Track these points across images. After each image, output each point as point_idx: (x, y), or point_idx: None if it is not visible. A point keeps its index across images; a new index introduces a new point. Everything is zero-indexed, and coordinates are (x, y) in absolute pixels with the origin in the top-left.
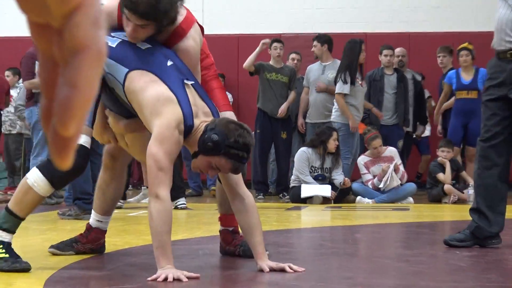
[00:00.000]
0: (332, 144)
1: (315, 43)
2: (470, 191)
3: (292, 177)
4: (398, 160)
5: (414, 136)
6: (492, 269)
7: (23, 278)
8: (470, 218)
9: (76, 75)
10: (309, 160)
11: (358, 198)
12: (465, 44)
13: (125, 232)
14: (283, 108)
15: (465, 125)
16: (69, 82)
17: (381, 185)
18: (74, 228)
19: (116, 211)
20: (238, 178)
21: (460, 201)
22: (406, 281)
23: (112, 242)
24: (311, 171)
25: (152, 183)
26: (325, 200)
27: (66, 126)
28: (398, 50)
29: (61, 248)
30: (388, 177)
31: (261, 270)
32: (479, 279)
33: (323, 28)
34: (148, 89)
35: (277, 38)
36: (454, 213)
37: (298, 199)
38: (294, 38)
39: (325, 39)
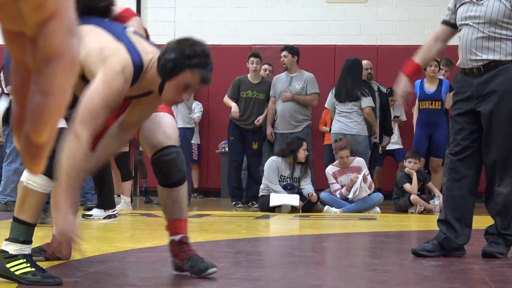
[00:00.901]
0: (302, 154)
1: (285, 53)
2: (436, 201)
3: (262, 186)
4: (366, 171)
5: (380, 148)
6: (457, 279)
7: None
8: (436, 228)
9: (49, 82)
10: (278, 169)
11: (326, 207)
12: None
13: (96, 239)
14: (261, 119)
15: (429, 136)
16: (42, 89)
17: (350, 195)
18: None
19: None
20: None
21: (426, 211)
22: None
23: (83, 249)
24: (280, 180)
25: (76, 121)
26: (293, 209)
27: (38, 133)
28: (365, 63)
29: None
30: (357, 187)
31: None
32: None
33: (293, 40)
34: (89, 40)
35: (254, 52)
36: (420, 223)
37: (266, 208)
38: (264, 49)
39: (296, 51)
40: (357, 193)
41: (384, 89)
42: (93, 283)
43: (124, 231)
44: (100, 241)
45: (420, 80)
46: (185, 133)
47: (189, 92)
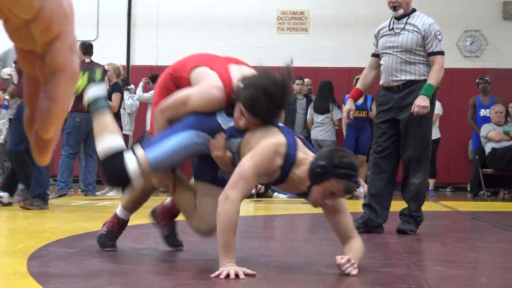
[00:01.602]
0: None
1: None
2: (361, 189)
3: None
4: None
5: None
6: (377, 250)
7: (9, 254)
8: (361, 210)
9: (54, 91)
10: None
11: (275, 193)
12: (359, 75)
13: (93, 219)
14: None
15: (356, 138)
16: (49, 96)
17: None
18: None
19: (84, 202)
20: (349, 224)
21: (354, 197)
22: (312, 259)
23: (83, 227)
24: None
25: (228, 186)
26: (249, 195)
27: (46, 130)
28: (307, 81)
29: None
30: None
31: None
32: (367, 258)
33: (249, 62)
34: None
35: None
36: (349, 207)
37: None
38: None
39: None
40: None
41: None
42: (90, 253)
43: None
44: (96, 220)
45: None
46: None
47: (334, 198)
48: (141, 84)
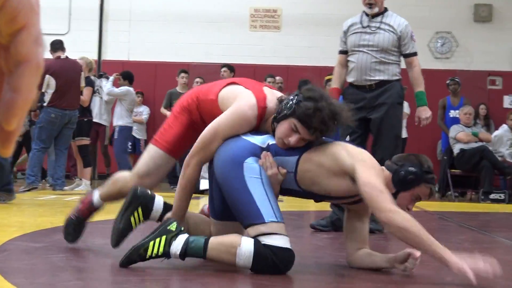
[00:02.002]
0: None
1: (225, 69)
2: None
3: None
4: None
5: None
6: (343, 249)
7: None
8: (330, 209)
9: (18, 82)
10: None
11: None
12: (329, 76)
13: (60, 213)
14: None
15: None
16: (13, 87)
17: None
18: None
19: (53, 196)
20: (367, 232)
21: None
22: None
23: (50, 221)
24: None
25: (381, 203)
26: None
27: (9, 122)
28: (278, 78)
29: None
30: None
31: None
32: (334, 256)
33: (222, 59)
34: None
35: (184, 69)
36: (317, 205)
37: (197, 191)
38: (200, 66)
39: (233, 68)
40: None
41: None
42: (57, 248)
43: None
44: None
45: None
46: (121, 129)
47: (415, 202)
48: (111, 78)
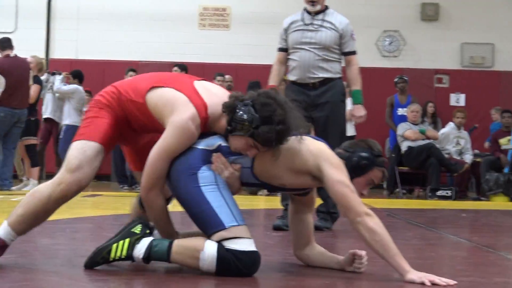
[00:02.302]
0: None
1: (176, 68)
2: None
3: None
4: None
5: None
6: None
7: None
8: (281, 207)
9: None
10: None
11: None
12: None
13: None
14: None
15: None
16: None
17: None
18: None
19: (0, 196)
20: (312, 226)
21: (272, 193)
22: None
23: None
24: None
25: (355, 205)
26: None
27: None
28: (227, 77)
29: None
30: None
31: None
32: (283, 254)
33: (171, 58)
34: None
35: (132, 68)
36: (267, 203)
37: None
38: (148, 65)
39: (184, 67)
40: None
41: None
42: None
43: None
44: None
45: None
46: (67, 128)
47: (369, 187)
48: (60, 76)
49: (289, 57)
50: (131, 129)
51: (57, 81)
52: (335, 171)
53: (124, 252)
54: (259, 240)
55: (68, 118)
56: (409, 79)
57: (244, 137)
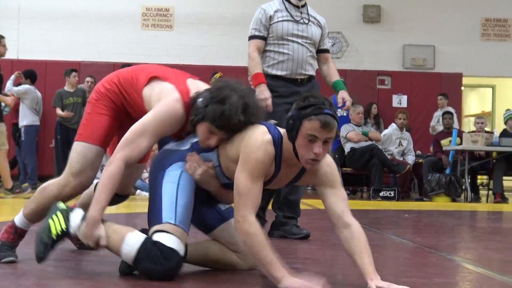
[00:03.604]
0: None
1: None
2: None
3: None
4: None
5: None
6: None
7: None
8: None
9: None
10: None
11: (138, 191)
12: (219, 74)
13: None
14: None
15: None
16: None
17: None
18: None
19: None
20: (345, 207)
21: None
22: None
23: None
24: (101, 169)
25: (235, 209)
26: None
27: None
28: None
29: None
30: None
31: None
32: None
33: (113, 58)
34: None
35: (74, 68)
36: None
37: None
38: (91, 65)
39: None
40: None
41: None
42: None
43: None
44: None
45: None
46: (27, 129)
47: (320, 145)
48: (12, 77)
49: (273, 49)
50: (130, 118)
51: (9, 82)
52: (240, 166)
53: (63, 224)
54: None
55: (24, 119)
56: (352, 80)
57: (203, 124)
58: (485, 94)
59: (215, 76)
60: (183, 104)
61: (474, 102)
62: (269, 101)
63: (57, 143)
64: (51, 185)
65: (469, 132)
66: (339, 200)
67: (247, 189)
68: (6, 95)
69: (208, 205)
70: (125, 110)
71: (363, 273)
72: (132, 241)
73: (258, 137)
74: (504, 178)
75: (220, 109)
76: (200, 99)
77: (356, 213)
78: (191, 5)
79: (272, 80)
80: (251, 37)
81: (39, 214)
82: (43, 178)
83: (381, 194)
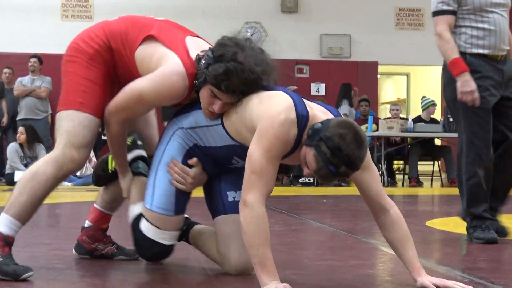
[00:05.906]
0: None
1: (35, 60)
2: None
3: (7, 166)
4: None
5: None
6: None
7: None
8: None
9: None
10: (17, 152)
11: None
12: None
13: None
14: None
15: None
16: None
17: (77, 173)
18: None
19: None
20: (380, 188)
21: None
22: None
23: None
24: (21, 160)
25: (243, 189)
26: None
27: None
28: None
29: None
30: (85, 167)
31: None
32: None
33: (31, 49)
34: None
35: None
36: None
37: (12, 183)
38: (7, 56)
39: (41, 60)
40: (83, 171)
41: None
42: None
43: None
44: None
45: None
46: None
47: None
48: None
49: (469, 24)
50: (118, 83)
51: None
52: (256, 138)
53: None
54: None
55: None
56: None
57: (204, 87)
58: (400, 81)
59: None
60: (187, 80)
61: (390, 90)
62: (477, 95)
63: None
64: (41, 167)
65: (384, 119)
66: (373, 180)
67: (260, 167)
68: None
69: (218, 186)
70: (114, 72)
71: (408, 267)
72: (133, 212)
73: (282, 112)
74: (419, 163)
75: (222, 67)
76: (203, 61)
77: (275, 199)
78: None
79: (474, 59)
80: (438, 13)
81: (34, 209)
82: None
83: (301, 180)
